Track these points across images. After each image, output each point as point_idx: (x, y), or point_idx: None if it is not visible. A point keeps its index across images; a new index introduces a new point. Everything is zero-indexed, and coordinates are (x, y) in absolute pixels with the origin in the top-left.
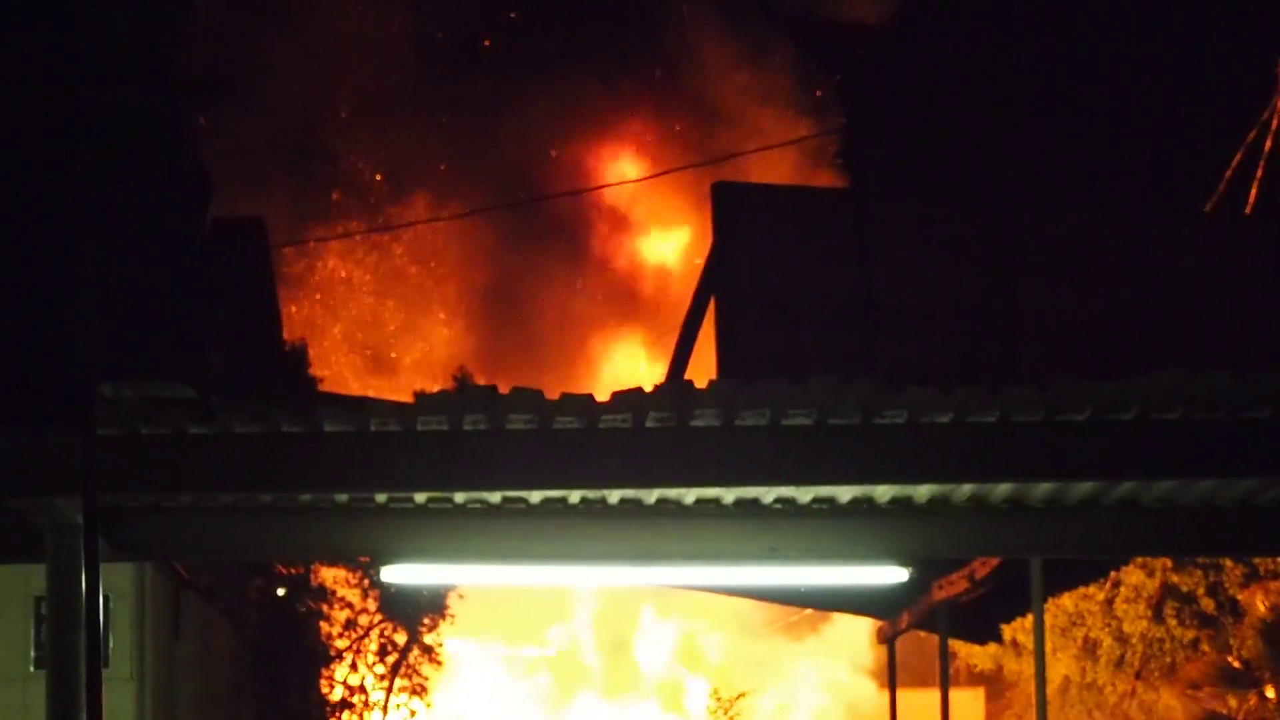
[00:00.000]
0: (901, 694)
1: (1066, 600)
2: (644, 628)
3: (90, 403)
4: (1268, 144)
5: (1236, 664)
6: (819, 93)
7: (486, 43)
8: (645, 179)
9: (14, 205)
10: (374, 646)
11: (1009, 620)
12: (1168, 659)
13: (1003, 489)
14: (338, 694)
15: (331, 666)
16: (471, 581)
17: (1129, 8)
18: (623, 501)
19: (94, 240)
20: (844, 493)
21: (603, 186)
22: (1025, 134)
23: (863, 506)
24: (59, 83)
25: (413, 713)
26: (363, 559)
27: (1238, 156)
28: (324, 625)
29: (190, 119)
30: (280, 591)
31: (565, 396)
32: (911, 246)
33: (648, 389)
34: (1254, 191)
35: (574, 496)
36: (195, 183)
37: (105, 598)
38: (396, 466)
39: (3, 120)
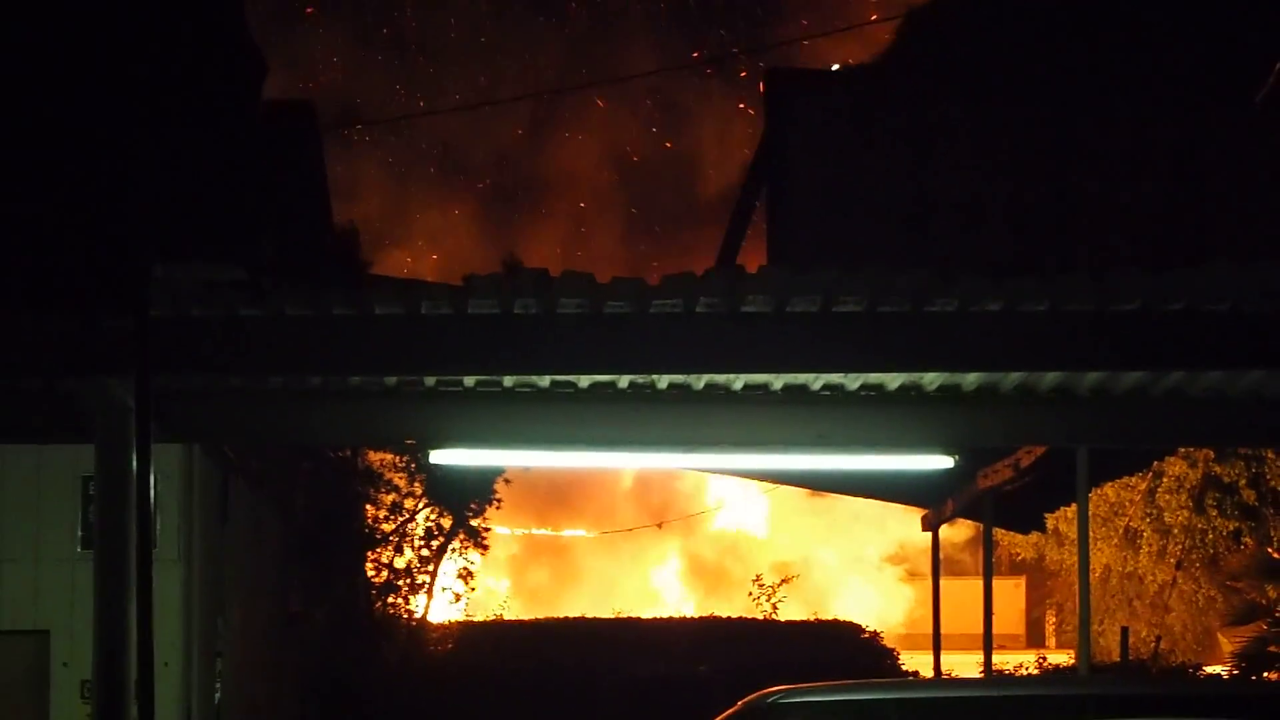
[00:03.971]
0: (944, 582)
1: (1108, 490)
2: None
3: (142, 284)
4: None
5: (1277, 556)
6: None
7: None
8: (694, 64)
9: (67, 88)
10: (420, 530)
11: (1052, 509)
12: (1208, 550)
13: (1051, 378)
14: (383, 577)
15: (378, 550)
16: (519, 464)
17: None
18: (671, 387)
19: (147, 121)
20: (892, 380)
21: (653, 72)
22: (1076, 28)
23: (910, 394)
24: None
25: (456, 596)
26: (410, 442)
27: None
28: (370, 509)
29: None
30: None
31: (616, 280)
32: (966, 142)
33: (698, 274)
34: None
35: (623, 381)
36: (248, 63)
37: (153, 479)
38: (446, 349)
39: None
